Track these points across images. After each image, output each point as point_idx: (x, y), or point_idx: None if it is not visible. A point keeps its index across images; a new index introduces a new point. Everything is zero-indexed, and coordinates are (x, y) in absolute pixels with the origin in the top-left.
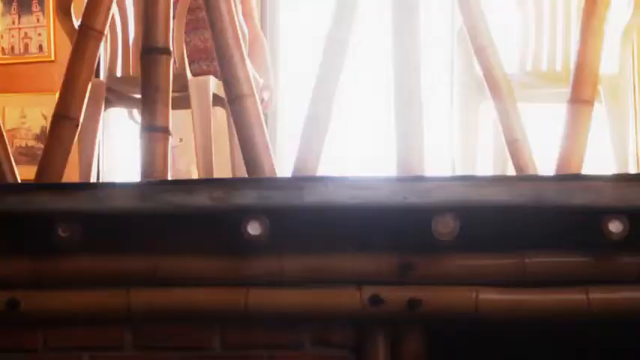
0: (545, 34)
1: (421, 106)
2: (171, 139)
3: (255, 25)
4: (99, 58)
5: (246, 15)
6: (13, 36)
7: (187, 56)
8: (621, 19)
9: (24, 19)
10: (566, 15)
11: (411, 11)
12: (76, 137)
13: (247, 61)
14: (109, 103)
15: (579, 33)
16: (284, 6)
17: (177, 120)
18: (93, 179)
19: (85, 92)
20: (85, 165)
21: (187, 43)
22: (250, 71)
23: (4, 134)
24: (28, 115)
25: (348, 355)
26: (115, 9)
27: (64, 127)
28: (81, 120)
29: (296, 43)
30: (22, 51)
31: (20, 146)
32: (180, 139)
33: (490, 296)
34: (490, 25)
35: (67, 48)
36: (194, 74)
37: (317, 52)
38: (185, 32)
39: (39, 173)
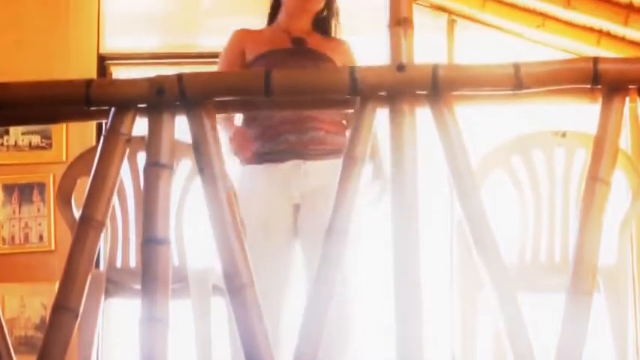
0: (544, 225)
1: (421, 297)
2: None
3: None
4: (99, 248)
5: None
6: (13, 225)
7: (275, 128)
8: (619, 210)
9: (24, 208)
10: (565, 206)
11: (411, 207)
12: (76, 328)
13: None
14: (108, 294)
15: (578, 224)
16: None
17: None
18: None
19: (85, 283)
20: (85, 355)
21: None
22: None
23: (4, 324)
24: (28, 304)
25: None
26: (115, 199)
27: (64, 317)
28: (81, 311)
29: None
30: (22, 241)
31: (20, 336)
32: None
33: None
34: (489, 216)
35: (67, 237)
36: (277, 151)
37: None
38: None
39: None
